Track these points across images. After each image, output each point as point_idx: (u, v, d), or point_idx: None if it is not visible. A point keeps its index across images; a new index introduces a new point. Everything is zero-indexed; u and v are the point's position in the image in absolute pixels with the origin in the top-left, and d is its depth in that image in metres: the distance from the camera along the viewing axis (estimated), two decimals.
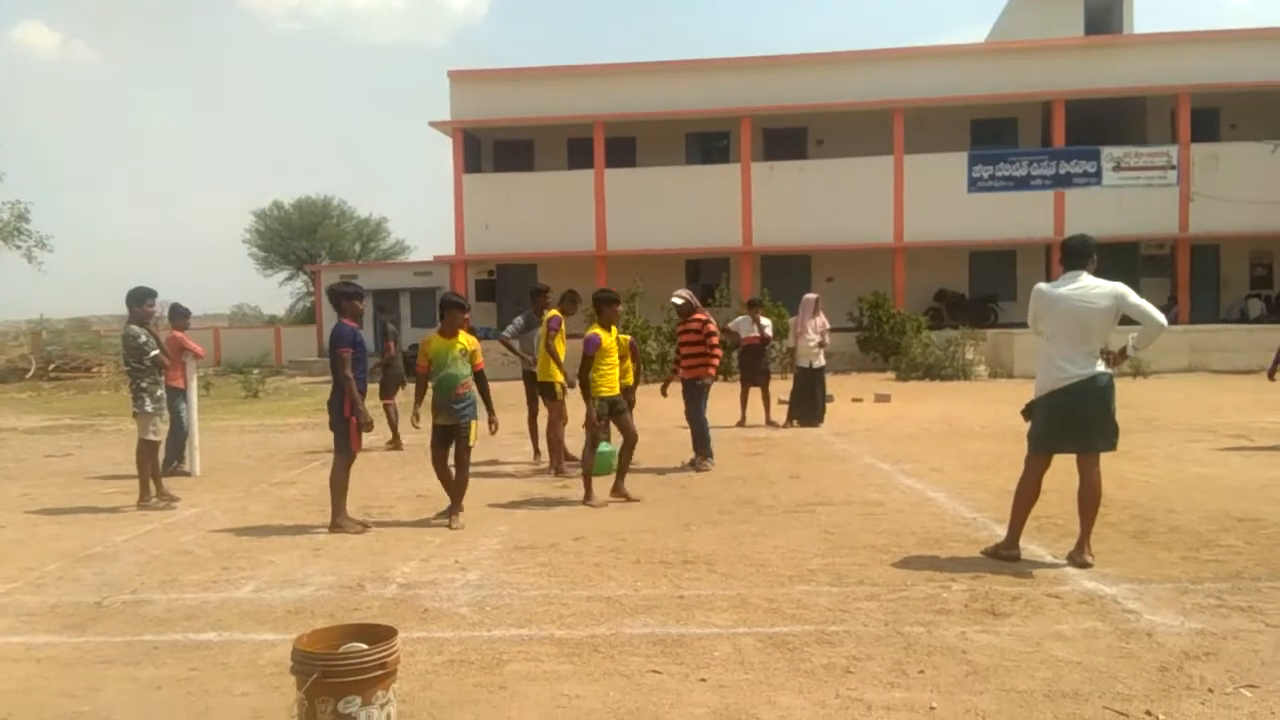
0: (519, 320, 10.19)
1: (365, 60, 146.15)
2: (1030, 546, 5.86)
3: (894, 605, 4.88)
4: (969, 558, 5.79)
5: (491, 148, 29.77)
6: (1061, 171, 25.64)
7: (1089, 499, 5.56)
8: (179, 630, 4.80)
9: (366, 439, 7.59)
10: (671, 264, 27.39)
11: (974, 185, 25.94)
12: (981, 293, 27.51)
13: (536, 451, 10.23)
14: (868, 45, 40.58)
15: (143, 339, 8.07)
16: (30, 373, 29.17)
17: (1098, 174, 25.51)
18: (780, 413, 13.28)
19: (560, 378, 9.15)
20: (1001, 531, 5.97)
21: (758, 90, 26.26)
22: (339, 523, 7.02)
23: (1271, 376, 10.53)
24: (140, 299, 8.15)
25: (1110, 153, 25.56)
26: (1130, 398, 11.75)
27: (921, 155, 25.76)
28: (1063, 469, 5.69)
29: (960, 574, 5.41)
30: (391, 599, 5.26)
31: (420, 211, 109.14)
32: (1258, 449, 9.99)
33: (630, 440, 8.10)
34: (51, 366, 29.80)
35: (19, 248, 30.87)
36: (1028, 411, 5.73)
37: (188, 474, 9.88)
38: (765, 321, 13.42)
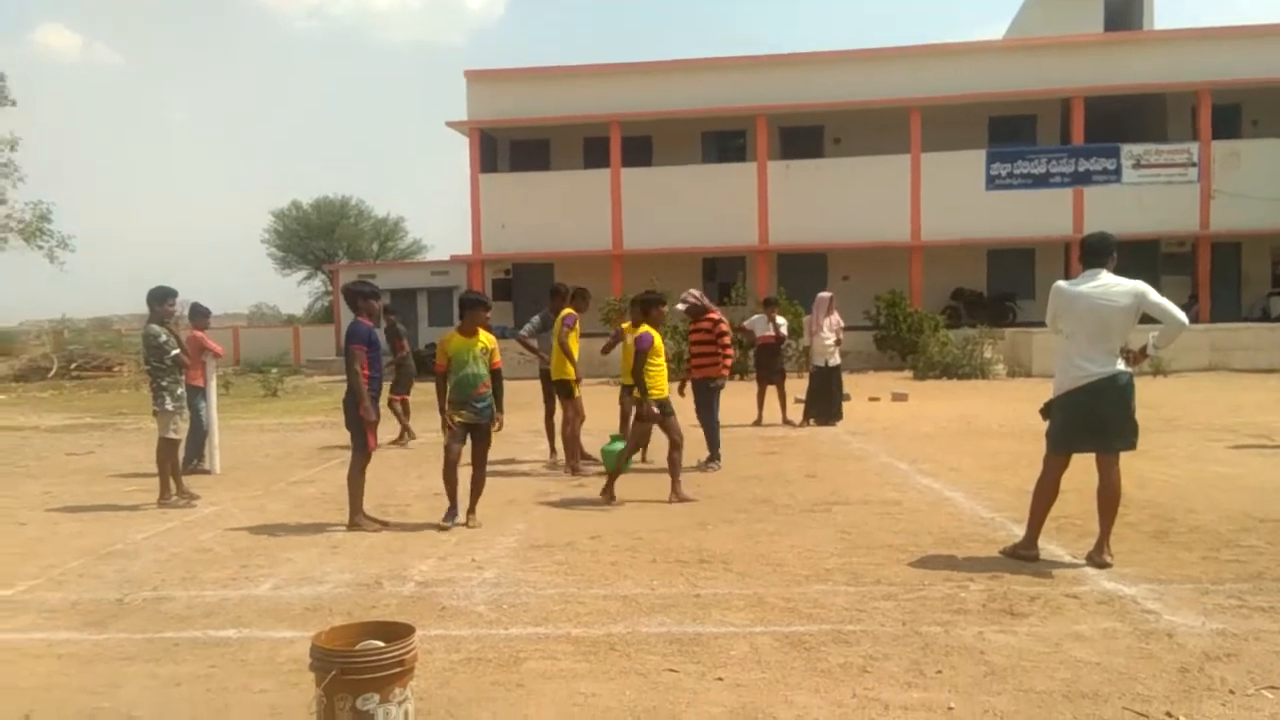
0: (536, 319, 10.23)
1: (383, 60, 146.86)
2: (1049, 546, 5.83)
3: (911, 605, 4.87)
4: (987, 557, 5.76)
5: (508, 147, 29.85)
6: (1081, 169, 25.43)
7: (1108, 499, 5.52)
8: (199, 627, 4.84)
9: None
10: (687, 263, 27.36)
11: (992, 183, 25.77)
12: (999, 291, 27.36)
13: (553, 450, 10.24)
14: (884, 43, 40.31)
15: (163, 338, 8.14)
16: (52, 371, 29.47)
17: (1117, 171, 25.30)
18: (797, 411, 13.26)
19: (574, 374, 9.15)
20: (1020, 531, 5.94)
21: (774, 89, 26.19)
22: (357, 521, 7.06)
23: None
24: (161, 298, 8.23)
25: (1130, 150, 25.36)
26: (1150, 397, 11.65)
27: (939, 153, 25.63)
28: (1082, 468, 5.65)
29: (978, 574, 5.39)
30: (409, 597, 5.28)
31: (437, 211, 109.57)
32: (1279, 449, 9.89)
33: (675, 442, 8.12)
34: (73, 365, 30.07)
35: (41, 248, 31.10)
36: (1046, 410, 5.70)
37: (207, 472, 9.95)
38: (781, 320, 13.40)
